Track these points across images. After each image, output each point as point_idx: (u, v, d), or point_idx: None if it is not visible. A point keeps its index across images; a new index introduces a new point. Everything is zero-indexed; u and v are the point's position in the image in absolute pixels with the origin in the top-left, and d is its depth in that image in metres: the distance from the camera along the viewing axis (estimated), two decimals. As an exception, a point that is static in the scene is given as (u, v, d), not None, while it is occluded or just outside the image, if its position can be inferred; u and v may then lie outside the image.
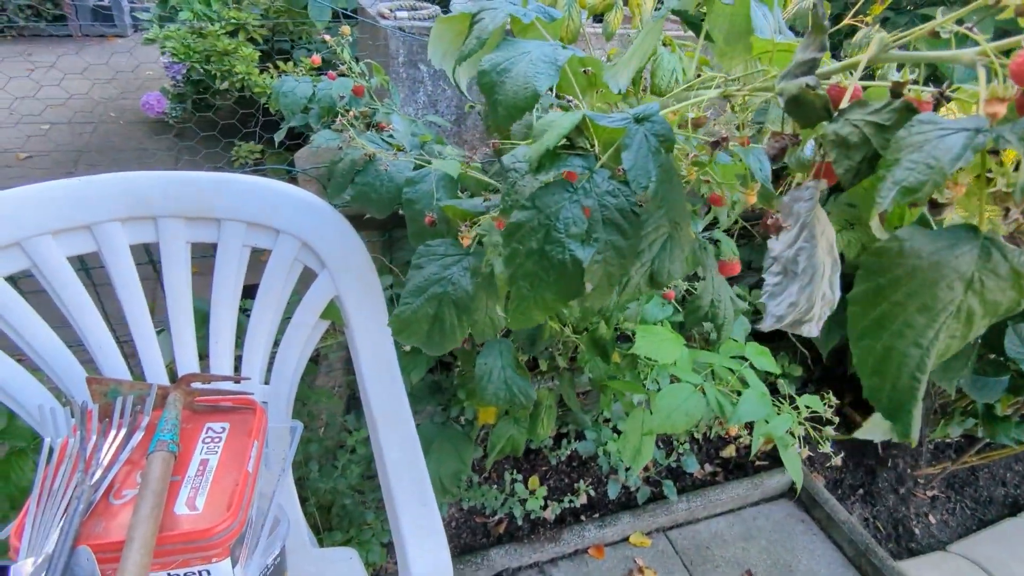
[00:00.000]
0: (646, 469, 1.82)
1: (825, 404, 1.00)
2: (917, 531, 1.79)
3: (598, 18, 0.89)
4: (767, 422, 0.88)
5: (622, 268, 0.47)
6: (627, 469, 1.71)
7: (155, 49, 2.93)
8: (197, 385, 0.82)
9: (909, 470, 1.94)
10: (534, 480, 1.73)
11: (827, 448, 0.88)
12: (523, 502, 1.61)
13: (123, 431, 0.74)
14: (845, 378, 2.18)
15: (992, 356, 1.51)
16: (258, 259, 0.96)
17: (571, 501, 1.68)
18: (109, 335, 0.87)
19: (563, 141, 0.48)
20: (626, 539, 1.68)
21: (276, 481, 0.86)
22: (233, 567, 0.72)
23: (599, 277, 0.45)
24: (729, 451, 1.96)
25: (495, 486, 1.64)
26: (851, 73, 0.45)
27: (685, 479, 1.85)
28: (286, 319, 0.96)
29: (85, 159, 3.14)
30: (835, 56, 0.51)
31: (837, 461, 0.92)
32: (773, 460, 1.94)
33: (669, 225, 0.50)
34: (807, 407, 0.91)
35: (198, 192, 0.86)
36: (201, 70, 2.43)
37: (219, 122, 2.28)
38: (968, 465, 1.98)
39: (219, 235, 0.89)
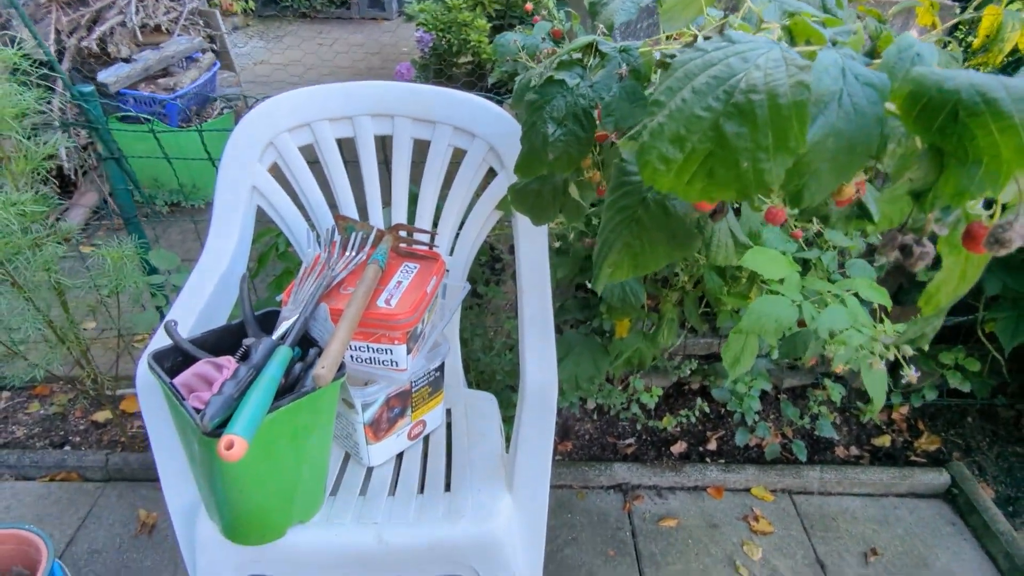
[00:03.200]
0: (781, 432, 1.85)
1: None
2: (1100, 568, 1.58)
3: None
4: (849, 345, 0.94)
5: (580, 152, 0.65)
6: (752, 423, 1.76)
7: (412, 28, 3.51)
8: (403, 235, 1.14)
9: (1110, 507, 1.70)
10: (668, 419, 1.87)
11: (910, 371, 0.92)
12: (644, 409, 1.77)
13: (354, 253, 1.09)
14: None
15: None
16: (455, 161, 1.25)
17: (703, 442, 1.79)
18: (352, 197, 1.24)
19: (578, 54, 0.68)
20: (748, 489, 1.74)
21: (447, 318, 1.16)
22: (407, 354, 1.02)
23: (559, 152, 0.65)
24: (883, 440, 1.89)
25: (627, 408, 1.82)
26: None
27: (825, 454, 1.84)
28: (469, 209, 1.25)
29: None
30: None
31: (913, 379, 0.94)
32: (931, 459, 1.83)
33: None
34: (895, 330, 0.95)
35: (423, 99, 1.18)
36: (443, 41, 2.90)
37: (452, 86, 2.72)
38: None
39: (433, 134, 1.21)
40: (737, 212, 1.01)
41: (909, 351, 0.89)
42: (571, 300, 1.66)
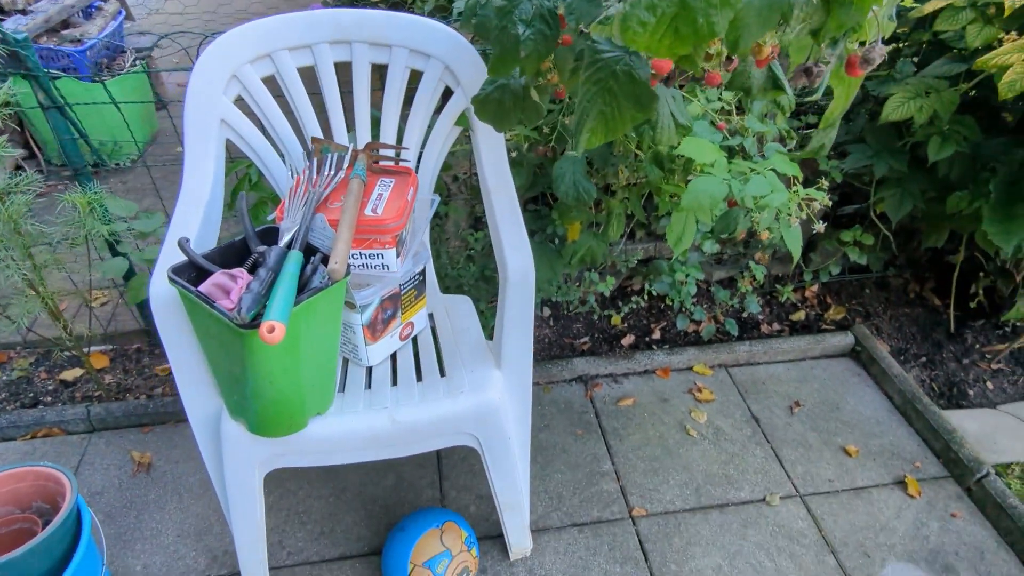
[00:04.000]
0: (715, 317, 2.09)
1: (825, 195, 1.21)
2: (971, 393, 1.93)
3: None
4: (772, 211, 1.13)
5: (546, 48, 0.79)
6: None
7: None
8: (374, 153, 1.23)
9: (978, 345, 2.06)
10: (616, 318, 2.08)
11: (819, 224, 1.11)
12: (601, 302, 1.96)
13: (333, 172, 1.17)
14: (925, 265, 2.28)
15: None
16: (411, 86, 1.34)
17: (648, 334, 2.00)
18: (318, 125, 1.30)
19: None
20: (690, 368, 1.99)
21: (424, 227, 1.27)
22: (397, 257, 1.13)
23: (530, 49, 0.78)
24: (799, 315, 2.18)
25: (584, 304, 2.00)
26: None
27: (752, 332, 2.11)
28: (430, 129, 1.35)
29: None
30: None
31: (821, 229, 1.14)
32: (839, 326, 2.13)
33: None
34: (789, 173, 1.15)
35: (376, 24, 1.24)
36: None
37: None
38: None
39: (390, 58, 1.28)
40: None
41: (817, 206, 1.09)
42: (525, 214, 1.79)
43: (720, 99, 1.35)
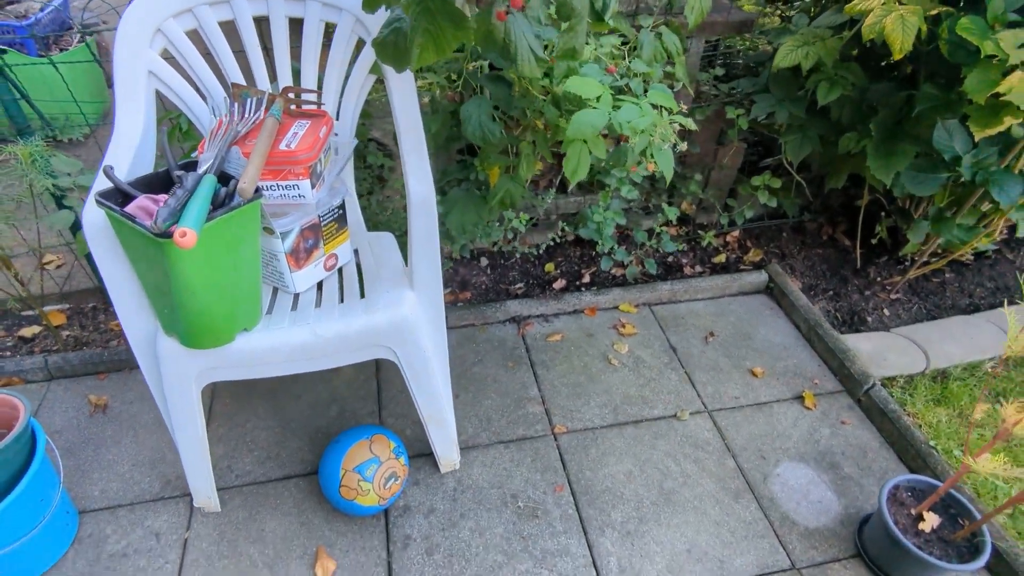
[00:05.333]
0: (640, 259, 2.25)
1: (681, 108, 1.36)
2: (869, 319, 2.11)
3: None
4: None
5: None
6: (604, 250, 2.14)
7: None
8: (292, 97, 1.35)
9: (879, 279, 2.24)
10: (549, 266, 2.22)
11: (683, 144, 1.26)
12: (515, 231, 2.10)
13: (251, 113, 1.29)
14: (838, 210, 2.45)
15: (927, 154, 1.79)
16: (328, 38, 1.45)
17: (579, 279, 2.15)
18: (241, 76, 1.42)
19: None
20: (616, 307, 2.14)
21: (341, 165, 1.39)
22: (311, 188, 1.26)
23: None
24: (720, 259, 2.34)
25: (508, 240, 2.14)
26: None
27: (676, 274, 2.26)
28: (347, 79, 1.47)
29: None
30: None
31: (684, 147, 1.28)
32: (756, 267, 2.30)
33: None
34: (666, 108, 1.29)
35: (291, -21, 1.36)
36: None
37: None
38: (931, 270, 2.23)
39: (304, 11, 1.40)
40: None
41: (691, 125, 1.23)
42: (452, 166, 1.92)
43: (612, 46, 1.49)
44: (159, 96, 1.38)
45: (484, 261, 2.25)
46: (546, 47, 1.37)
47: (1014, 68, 1.45)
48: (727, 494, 1.59)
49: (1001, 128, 1.50)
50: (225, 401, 1.78)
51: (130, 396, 1.78)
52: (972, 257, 2.31)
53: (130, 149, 1.26)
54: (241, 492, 1.56)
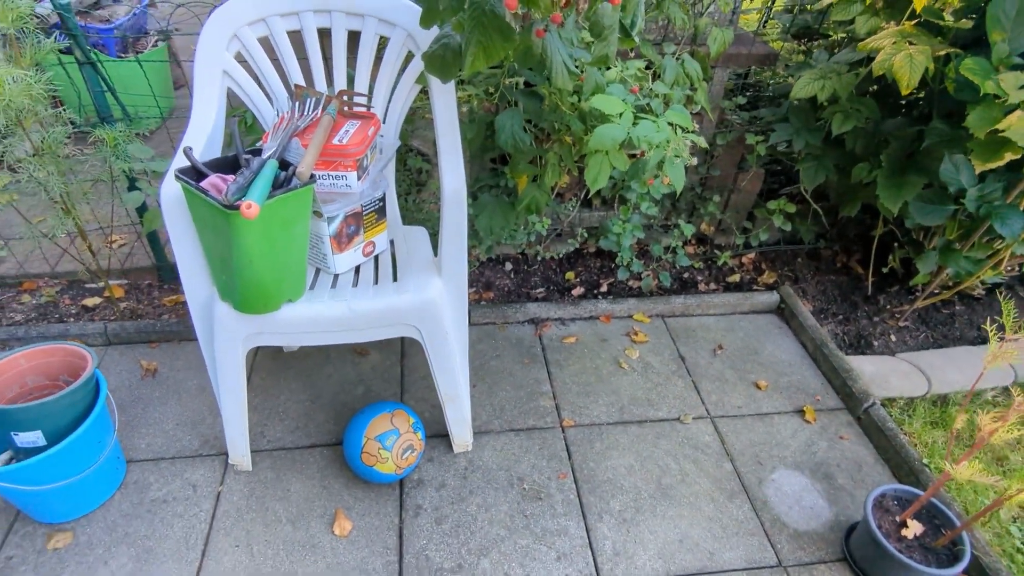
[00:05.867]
0: (656, 272, 2.36)
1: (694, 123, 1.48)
2: (876, 344, 2.18)
3: None
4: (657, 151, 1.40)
5: (459, 2, 1.05)
6: (626, 266, 2.26)
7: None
8: (345, 99, 1.51)
9: (889, 306, 2.31)
10: (570, 274, 2.35)
11: (692, 159, 1.38)
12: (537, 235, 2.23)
13: (310, 111, 1.46)
14: (853, 239, 2.54)
15: (934, 186, 1.88)
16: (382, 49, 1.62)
17: (596, 287, 2.27)
18: (303, 78, 1.59)
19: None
20: (631, 316, 2.25)
21: (384, 162, 1.55)
22: (357, 179, 1.42)
23: (445, 4, 1.05)
24: (734, 278, 2.44)
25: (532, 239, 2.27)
26: None
27: (691, 290, 2.37)
28: (395, 86, 1.63)
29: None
30: None
31: (692, 162, 1.40)
32: (769, 288, 2.39)
33: None
34: (680, 124, 1.42)
35: (353, -3, 1.54)
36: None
37: None
38: (941, 300, 2.29)
39: (363, 25, 1.57)
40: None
41: (703, 143, 1.36)
42: (485, 173, 2.08)
43: (637, 68, 1.63)
44: (228, 94, 1.56)
45: (508, 265, 2.39)
46: (576, 65, 1.52)
47: (1015, 107, 1.54)
48: (722, 494, 1.68)
49: (1001, 163, 1.60)
50: (262, 375, 1.93)
51: (178, 364, 1.95)
52: (983, 291, 2.36)
53: (203, 136, 1.44)
54: (271, 455, 1.70)
